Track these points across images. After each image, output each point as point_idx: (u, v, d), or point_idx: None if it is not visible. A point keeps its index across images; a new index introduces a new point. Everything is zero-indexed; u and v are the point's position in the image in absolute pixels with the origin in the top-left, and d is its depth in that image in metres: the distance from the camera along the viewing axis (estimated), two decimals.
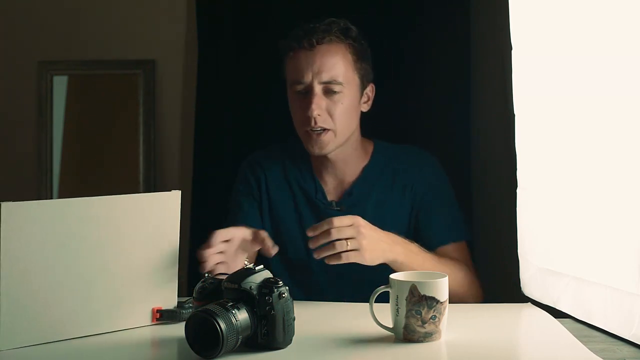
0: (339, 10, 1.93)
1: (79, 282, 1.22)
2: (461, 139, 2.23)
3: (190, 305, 1.33)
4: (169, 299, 1.33)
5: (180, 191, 1.31)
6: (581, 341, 1.19)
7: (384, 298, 1.23)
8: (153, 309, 1.31)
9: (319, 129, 1.66)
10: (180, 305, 1.33)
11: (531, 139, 1.52)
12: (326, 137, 1.68)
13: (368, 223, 1.48)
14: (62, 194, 2.54)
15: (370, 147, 1.81)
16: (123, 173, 2.54)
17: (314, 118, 1.65)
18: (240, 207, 1.78)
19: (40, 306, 1.18)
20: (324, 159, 1.75)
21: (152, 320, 1.31)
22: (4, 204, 1.13)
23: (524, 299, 1.53)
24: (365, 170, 1.77)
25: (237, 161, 2.01)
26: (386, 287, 1.22)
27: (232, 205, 1.82)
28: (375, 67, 1.82)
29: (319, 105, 1.65)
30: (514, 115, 1.58)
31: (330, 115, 1.67)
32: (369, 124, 1.83)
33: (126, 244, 1.26)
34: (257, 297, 1.15)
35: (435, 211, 1.74)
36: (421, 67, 2.26)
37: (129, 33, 2.50)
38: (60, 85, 2.54)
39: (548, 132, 1.44)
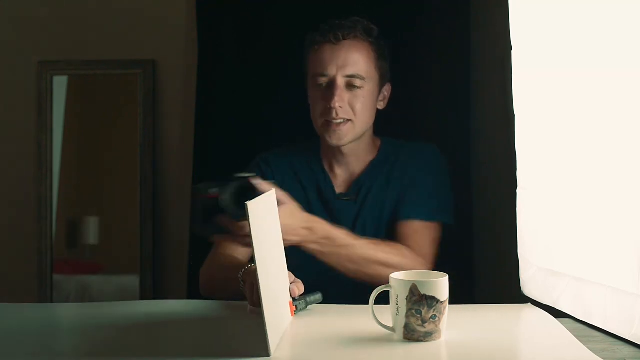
0: (340, 10, 1.93)
1: None
2: (461, 139, 2.23)
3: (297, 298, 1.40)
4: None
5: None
6: (581, 341, 1.19)
7: (383, 299, 1.23)
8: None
9: (340, 119, 1.72)
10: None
11: (531, 139, 1.52)
12: (345, 128, 1.74)
13: (291, 206, 1.57)
14: (62, 194, 2.54)
15: (378, 142, 1.87)
16: (123, 173, 2.54)
17: (336, 109, 1.71)
18: None
19: None
20: (337, 153, 1.80)
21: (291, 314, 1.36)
22: None
23: (524, 299, 1.53)
24: (372, 163, 1.83)
25: (238, 161, 2.01)
26: (386, 287, 1.22)
27: None
28: None
29: (341, 98, 1.71)
30: (514, 115, 1.58)
31: (352, 107, 1.73)
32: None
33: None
34: None
35: (411, 189, 1.78)
36: (421, 67, 2.26)
37: (129, 33, 2.50)
38: (60, 85, 2.54)
39: (548, 132, 1.44)
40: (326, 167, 1.84)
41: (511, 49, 1.57)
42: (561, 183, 1.39)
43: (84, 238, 2.56)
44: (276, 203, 1.39)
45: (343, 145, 1.77)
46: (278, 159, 1.87)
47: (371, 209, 1.79)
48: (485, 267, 2.24)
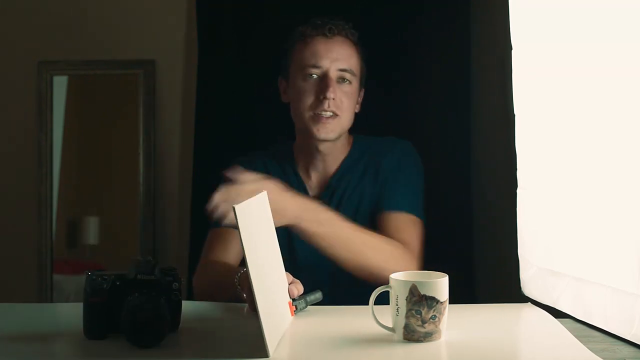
0: (340, 9, 1.93)
1: None
2: (461, 139, 2.23)
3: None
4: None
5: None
6: (581, 341, 1.18)
7: (383, 299, 1.23)
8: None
9: (330, 113, 1.71)
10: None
11: (531, 139, 1.52)
12: (334, 122, 1.73)
13: (277, 186, 1.49)
14: (62, 194, 2.54)
15: (351, 140, 1.85)
16: (123, 173, 2.54)
17: (329, 101, 1.70)
18: None
19: None
20: (314, 152, 1.78)
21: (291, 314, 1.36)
22: None
23: (524, 299, 1.53)
24: (344, 163, 1.81)
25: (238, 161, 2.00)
26: (386, 287, 1.22)
27: None
28: (375, 67, 1.84)
29: (334, 90, 1.71)
30: (514, 115, 1.58)
31: (341, 102, 1.73)
32: (367, 124, 1.84)
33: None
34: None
35: (394, 181, 1.75)
36: (421, 67, 2.26)
37: (129, 33, 2.50)
38: (60, 85, 2.54)
39: (548, 132, 1.44)
40: (299, 171, 1.82)
41: (511, 49, 1.57)
42: (561, 183, 1.39)
43: (84, 238, 2.57)
44: (268, 204, 1.36)
45: (329, 140, 1.74)
46: (252, 165, 1.83)
47: (347, 209, 1.74)
48: (485, 267, 2.24)
